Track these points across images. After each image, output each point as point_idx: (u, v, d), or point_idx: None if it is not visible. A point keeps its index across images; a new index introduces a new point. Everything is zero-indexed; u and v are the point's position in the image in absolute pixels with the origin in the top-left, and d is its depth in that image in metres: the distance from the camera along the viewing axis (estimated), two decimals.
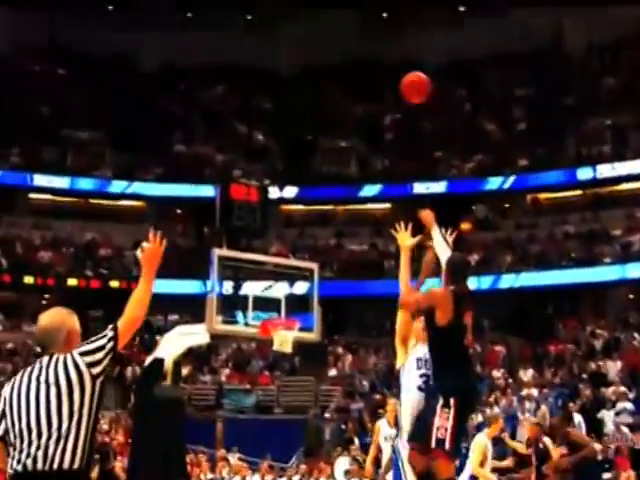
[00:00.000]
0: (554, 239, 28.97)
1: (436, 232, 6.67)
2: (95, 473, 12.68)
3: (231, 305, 13.03)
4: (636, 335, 24.21)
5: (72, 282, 28.12)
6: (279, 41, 33.33)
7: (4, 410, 3.94)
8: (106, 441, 16.11)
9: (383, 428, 9.87)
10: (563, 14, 31.81)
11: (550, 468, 10.09)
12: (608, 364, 22.66)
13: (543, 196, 30.74)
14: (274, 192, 30.01)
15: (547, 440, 10.56)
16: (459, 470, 9.07)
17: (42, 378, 3.89)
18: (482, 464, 10.25)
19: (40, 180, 29.79)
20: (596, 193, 29.56)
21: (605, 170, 28.37)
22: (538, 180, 29.44)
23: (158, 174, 31.34)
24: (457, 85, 33.13)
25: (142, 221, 28.72)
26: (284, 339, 12.43)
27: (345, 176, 31.95)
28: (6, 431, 3.92)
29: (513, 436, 16.45)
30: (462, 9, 33.50)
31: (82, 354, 3.94)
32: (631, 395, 20.66)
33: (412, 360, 6.52)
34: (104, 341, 4.00)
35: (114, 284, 27.51)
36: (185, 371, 17.85)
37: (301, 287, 13.64)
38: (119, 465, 14.22)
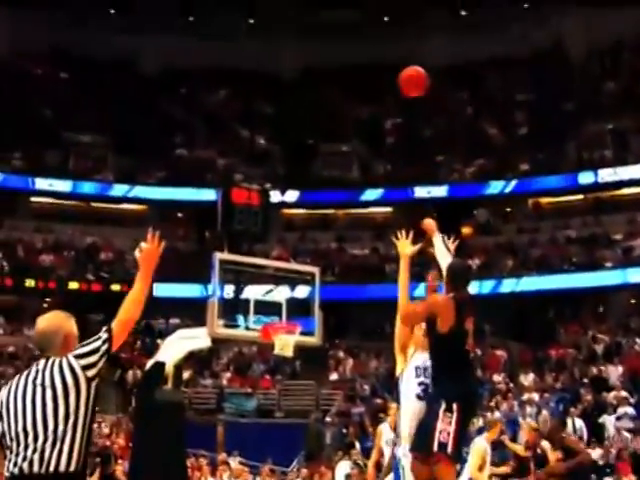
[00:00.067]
0: (555, 243, 28.97)
1: (438, 239, 6.68)
2: (96, 477, 12.68)
3: (232, 309, 12.98)
4: (637, 340, 24.17)
5: (73, 285, 28.19)
6: (281, 45, 33.36)
7: (1, 413, 3.94)
8: (107, 445, 16.11)
9: (385, 432, 9.83)
10: (563, 19, 31.84)
11: (546, 473, 10.10)
12: (609, 369, 22.61)
13: (544, 200, 30.74)
14: (275, 196, 29.90)
15: (545, 444, 10.55)
16: (457, 474, 9.04)
17: (38, 381, 3.90)
18: (481, 468, 10.21)
19: (42, 184, 29.84)
20: (597, 197, 29.56)
21: (606, 174, 28.39)
22: (539, 184, 29.46)
23: (160, 178, 31.38)
24: (458, 89, 33.16)
25: (143, 225, 28.62)
26: (285, 343, 12.39)
27: (346, 180, 31.96)
28: (3, 434, 3.92)
29: (514, 440, 16.40)
30: (463, 13, 33.52)
31: (77, 357, 3.94)
32: (632, 400, 20.58)
33: (411, 368, 6.49)
34: (98, 343, 4.00)
35: (115, 288, 27.47)
36: (186, 375, 17.82)
37: (302, 291, 13.61)
38: (120, 469, 14.20)
